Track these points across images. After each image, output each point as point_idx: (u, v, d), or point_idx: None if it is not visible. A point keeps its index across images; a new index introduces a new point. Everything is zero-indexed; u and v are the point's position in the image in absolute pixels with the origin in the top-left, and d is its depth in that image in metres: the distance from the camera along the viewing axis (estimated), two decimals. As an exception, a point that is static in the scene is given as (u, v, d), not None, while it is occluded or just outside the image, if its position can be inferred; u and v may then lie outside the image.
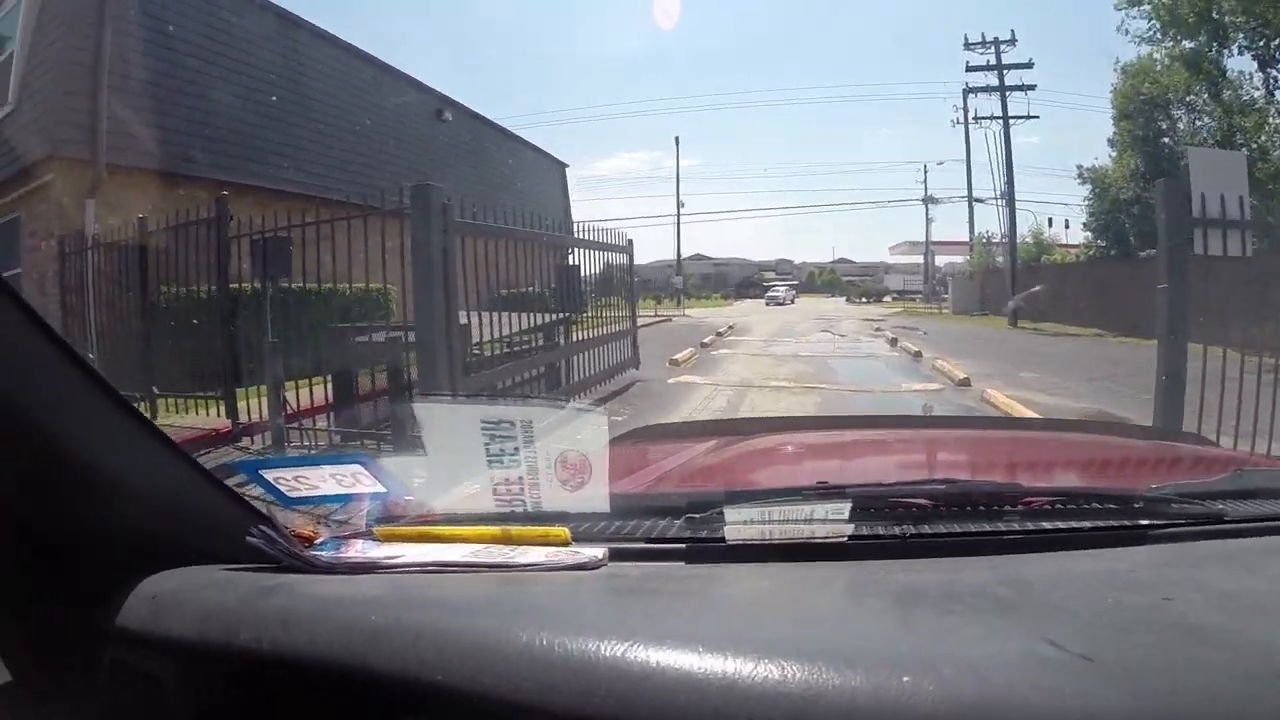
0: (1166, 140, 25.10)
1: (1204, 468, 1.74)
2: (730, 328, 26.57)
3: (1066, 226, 36.68)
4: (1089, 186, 27.44)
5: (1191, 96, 24.34)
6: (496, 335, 7.91)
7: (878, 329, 26.26)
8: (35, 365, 0.88)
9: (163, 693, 0.90)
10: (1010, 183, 30.74)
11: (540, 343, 9.21)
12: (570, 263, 10.03)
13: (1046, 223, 34.62)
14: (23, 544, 0.95)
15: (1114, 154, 26.85)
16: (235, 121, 14.17)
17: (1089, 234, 28.35)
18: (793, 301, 58.91)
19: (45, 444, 0.90)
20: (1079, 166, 27.78)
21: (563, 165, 32.53)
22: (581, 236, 10.33)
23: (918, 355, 16.95)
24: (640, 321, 13.68)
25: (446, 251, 6.70)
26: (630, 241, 12.12)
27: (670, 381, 12.64)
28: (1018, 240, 31.45)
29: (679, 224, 53.86)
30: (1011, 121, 30.99)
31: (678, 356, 15.83)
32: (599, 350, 10.75)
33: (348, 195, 7.51)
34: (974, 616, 0.83)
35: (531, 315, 8.67)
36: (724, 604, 0.96)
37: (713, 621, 0.86)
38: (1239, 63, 23.65)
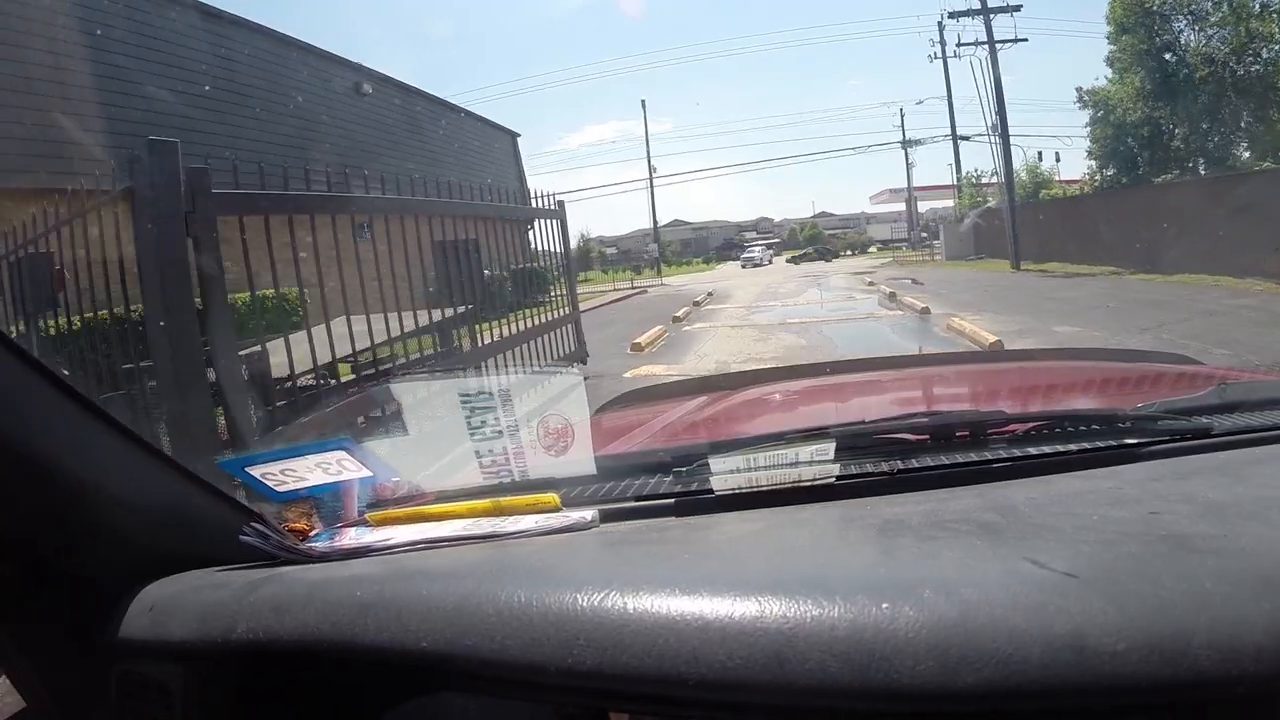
0: (1170, 56, 22.73)
1: (1188, 384, 1.70)
2: (709, 295, 24.59)
3: (1057, 159, 34.72)
4: (1090, 112, 25.26)
5: (1198, 2, 21.95)
6: (339, 354, 5.26)
7: (870, 283, 24.25)
8: (14, 386, 0.87)
9: (170, 699, 0.90)
10: (1001, 112, 28.20)
11: (432, 351, 6.56)
12: (466, 236, 7.07)
13: (1037, 156, 32.03)
14: (20, 568, 0.94)
15: (1113, 75, 24.63)
16: (111, 119, 12.16)
17: (1093, 163, 26.22)
18: (770, 261, 56.66)
19: (34, 465, 0.88)
20: (1079, 89, 25.74)
21: (513, 135, 30.65)
22: (485, 199, 7.44)
23: (925, 313, 14.61)
24: (610, 297, 11.29)
25: (200, 242, 4.13)
26: (561, 204, 9.28)
27: (627, 375, 10.01)
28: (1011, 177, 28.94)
29: (652, 189, 51.01)
30: (999, 48, 28.37)
31: (641, 339, 13.17)
32: (526, 348, 8.06)
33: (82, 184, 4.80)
34: (955, 541, 0.80)
35: (404, 316, 5.93)
36: (706, 548, 0.93)
37: (693, 565, 0.84)
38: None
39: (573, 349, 9.52)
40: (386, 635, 0.76)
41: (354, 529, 1.08)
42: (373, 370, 5.46)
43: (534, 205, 8.70)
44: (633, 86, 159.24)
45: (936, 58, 36.25)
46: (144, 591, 0.95)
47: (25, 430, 0.87)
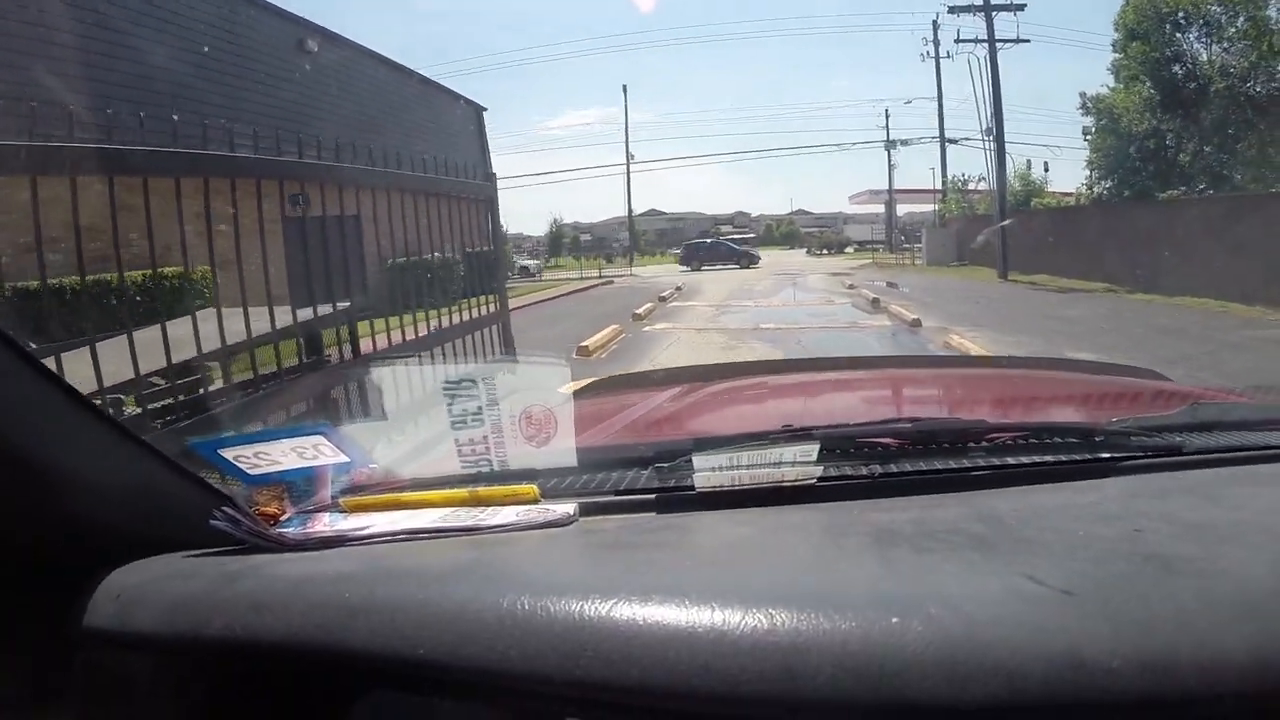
0: (1178, 67, 21.50)
1: (1163, 402, 1.73)
2: (677, 289, 23.09)
3: (1046, 169, 33.38)
4: (1092, 119, 23.97)
5: (1217, 7, 20.67)
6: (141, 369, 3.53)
7: (850, 285, 22.76)
8: None
9: (138, 692, 0.88)
10: (998, 114, 26.70)
11: (299, 363, 4.77)
12: (343, 212, 5.14)
13: (1026, 165, 30.70)
14: None
15: (1117, 84, 23.39)
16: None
17: (1090, 173, 24.90)
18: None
19: None
20: (1083, 95, 24.43)
21: (478, 108, 28.70)
22: (374, 166, 5.58)
23: (916, 324, 13.03)
24: (573, 286, 9.50)
25: None
26: (492, 177, 7.57)
27: (564, 390, 8.06)
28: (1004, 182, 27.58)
29: (629, 176, 49.42)
30: (999, 48, 26.89)
31: (589, 342, 11.39)
32: (432, 356, 6.32)
33: None
34: (952, 554, 0.81)
35: (235, 317, 4.15)
36: (703, 553, 0.94)
37: (695, 572, 0.84)
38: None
39: (499, 354, 7.81)
40: (380, 641, 0.73)
41: (327, 514, 1.06)
42: (172, 398, 3.72)
43: (449, 178, 6.85)
44: (615, 72, 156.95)
45: (929, 57, 35.00)
46: (110, 577, 0.91)
47: None
